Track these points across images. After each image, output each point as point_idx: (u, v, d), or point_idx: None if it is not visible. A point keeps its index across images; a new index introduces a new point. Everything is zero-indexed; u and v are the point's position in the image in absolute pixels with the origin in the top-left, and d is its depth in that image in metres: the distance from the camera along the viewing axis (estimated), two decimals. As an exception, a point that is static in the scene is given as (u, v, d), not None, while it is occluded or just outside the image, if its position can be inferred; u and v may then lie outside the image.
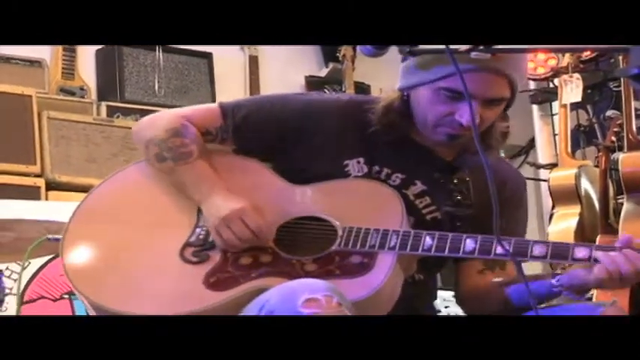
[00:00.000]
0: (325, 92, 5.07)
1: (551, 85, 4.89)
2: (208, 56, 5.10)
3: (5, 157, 4.20)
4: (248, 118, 2.18)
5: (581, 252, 1.94)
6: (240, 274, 2.01)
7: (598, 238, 3.94)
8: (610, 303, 2.00)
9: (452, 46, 1.82)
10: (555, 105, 4.79)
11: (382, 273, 1.96)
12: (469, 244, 1.97)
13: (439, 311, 2.33)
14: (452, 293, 3.25)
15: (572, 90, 4.39)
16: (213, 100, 4.72)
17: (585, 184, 4.20)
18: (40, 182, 4.24)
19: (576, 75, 4.39)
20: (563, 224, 4.11)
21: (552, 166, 4.70)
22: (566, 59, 4.44)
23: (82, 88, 4.76)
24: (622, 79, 4.21)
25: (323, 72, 5.56)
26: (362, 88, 5.27)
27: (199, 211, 2.12)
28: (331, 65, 5.48)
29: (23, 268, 3.10)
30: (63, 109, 4.50)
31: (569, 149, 4.39)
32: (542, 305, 2.04)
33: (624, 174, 3.88)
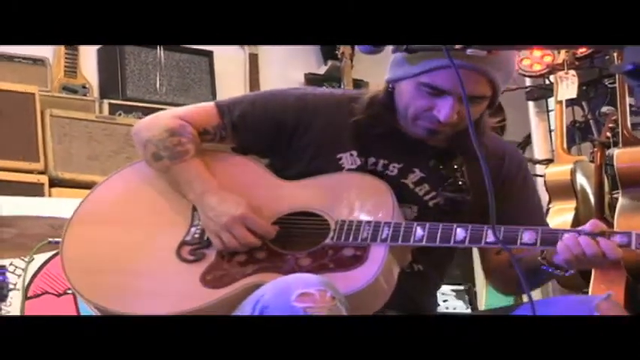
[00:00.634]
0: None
1: (547, 82, 4.87)
2: (209, 54, 5.11)
3: (9, 155, 4.20)
4: (245, 115, 2.18)
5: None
6: (235, 271, 2.01)
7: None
8: (605, 296, 2.01)
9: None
10: (551, 101, 4.79)
11: (375, 265, 1.96)
12: (460, 233, 1.97)
13: (438, 305, 2.32)
14: (450, 287, 3.25)
15: (567, 87, 4.38)
16: (214, 98, 4.72)
17: (581, 180, 4.19)
18: (44, 179, 4.26)
19: (572, 72, 4.39)
20: (560, 219, 4.10)
21: (548, 161, 4.70)
22: (562, 56, 4.43)
23: (84, 86, 4.77)
24: (617, 76, 4.20)
25: (322, 69, 5.58)
26: (360, 85, 5.27)
27: (194, 209, 2.13)
28: (330, 63, 5.50)
29: (27, 264, 3.10)
30: (65, 107, 4.51)
31: (565, 145, 4.38)
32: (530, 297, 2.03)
33: (619, 169, 3.87)
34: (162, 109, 2.34)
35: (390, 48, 1.96)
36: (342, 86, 5.19)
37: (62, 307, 3.62)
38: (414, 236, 1.98)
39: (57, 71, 4.72)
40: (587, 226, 1.96)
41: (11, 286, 2.59)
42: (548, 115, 5.09)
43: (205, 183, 2.12)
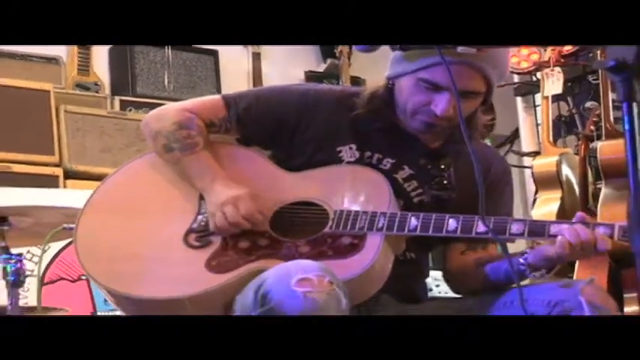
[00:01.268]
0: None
1: (533, 79, 4.86)
2: (214, 53, 5.09)
3: (26, 149, 4.20)
4: (249, 108, 2.18)
5: (556, 228, 1.93)
6: (239, 257, 2.01)
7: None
8: (588, 281, 2.01)
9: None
10: (538, 97, 4.78)
11: (371, 252, 1.96)
12: (452, 223, 1.97)
13: (430, 289, 2.33)
14: (442, 273, 3.23)
15: (553, 83, 4.38)
16: (219, 93, 4.70)
17: (566, 171, 4.19)
18: (59, 171, 4.25)
19: (557, 69, 4.38)
20: (546, 208, 4.10)
21: (535, 154, 4.68)
22: (548, 54, 4.42)
23: (96, 84, 4.76)
24: (600, 72, 4.19)
25: (321, 67, 5.57)
26: (357, 82, 5.26)
27: (201, 198, 2.13)
28: (329, 61, 5.49)
29: (43, 252, 3.10)
30: (79, 104, 4.51)
31: (551, 138, 4.37)
32: (525, 282, 2.03)
33: (602, 161, 3.87)
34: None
35: (386, 47, 1.96)
36: (341, 83, 5.18)
37: (76, 293, 3.63)
38: (409, 226, 1.99)
39: (70, 69, 4.71)
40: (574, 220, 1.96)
41: (28, 273, 2.59)
42: (535, 110, 5.09)
43: (214, 173, 2.12)
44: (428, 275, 2.29)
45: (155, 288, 2.00)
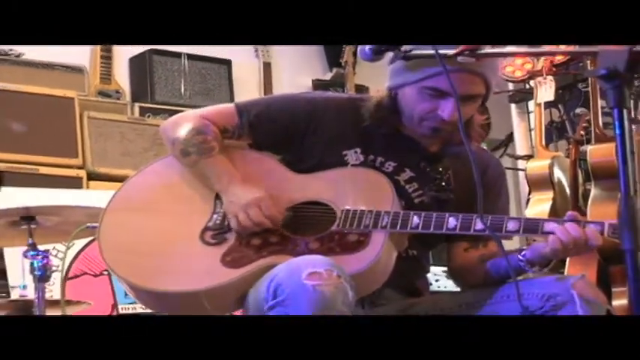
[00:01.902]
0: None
1: (527, 87, 4.86)
2: (228, 63, 5.09)
3: (52, 152, 4.21)
4: (260, 116, 2.17)
5: (549, 226, 1.92)
6: (252, 253, 2.01)
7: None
8: (579, 276, 2.01)
9: (440, 51, 1.82)
10: (531, 104, 4.76)
11: (376, 249, 1.96)
12: (451, 221, 1.97)
13: (430, 284, 2.32)
14: (441, 269, 3.24)
15: (545, 90, 4.36)
16: (232, 100, 4.71)
17: (558, 173, 4.18)
18: (82, 173, 4.26)
19: (549, 77, 4.36)
20: (539, 208, 4.09)
21: (529, 157, 4.68)
22: (541, 63, 4.41)
23: (117, 91, 4.76)
24: (590, 81, 4.19)
25: (328, 76, 5.56)
26: (362, 89, 5.25)
27: (216, 198, 2.12)
28: (335, 70, 5.49)
29: (68, 248, 3.10)
30: (101, 110, 4.51)
31: (544, 142, 4.36)
32: (520, 278, 2.02)
33: (592, 164, 3.87)
34: (186, 111, 2.34)
35: (387, 57, 1.97)
36: (346, 91, 5.17)
37: (99, 287, 3.63)
38: (411, 224, 1.98)
39: (93, 78, 4.72)
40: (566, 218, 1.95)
41: (54, 268, 2.59)
42: (528, 116, 5.08)
43: (231, 175, 2.12)
44: (429, 271, 2.29)
45: (173, 282, 2.00)
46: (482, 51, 1.81)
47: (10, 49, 4.46)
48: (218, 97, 4.87)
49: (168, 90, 4.86)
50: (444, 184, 2.14)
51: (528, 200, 4.27)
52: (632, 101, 3.72)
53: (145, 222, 2.12)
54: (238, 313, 2.09)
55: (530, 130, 5.03)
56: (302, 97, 2.25)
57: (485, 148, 2.64)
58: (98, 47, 4.74)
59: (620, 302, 3.63)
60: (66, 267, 3.44)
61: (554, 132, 4.89)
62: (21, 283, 2.93)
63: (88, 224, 2.49)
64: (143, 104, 4.75)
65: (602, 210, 3.71)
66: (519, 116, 5.16)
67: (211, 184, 2.13)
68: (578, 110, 4.48)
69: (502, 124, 5.11)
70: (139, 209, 2.15)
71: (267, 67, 5.24)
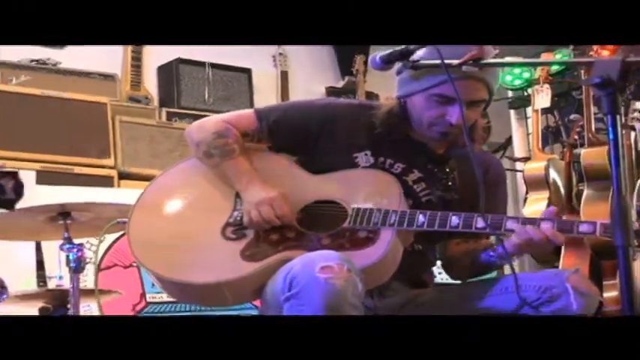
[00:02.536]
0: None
1: (525, 94, 4.84)
2: (248, 71, 5.10)
3: (86, 153, 4.21)
4: (278, 121, 2.16)
5: (547, 224, 1.91)
6: (269, 247, 2.00)
7: (563, 218, 3.92)
8: (574, 270, 1.99)
9: (446, 61, 1.83)
10: (529, 110, 4.76)
11: (384, 245, 1.95)
12: (454, 220, 1.96)
13: (435, 276, 2.31)
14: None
15: (542, 98, 4.36)
16: (252, 106, 4.71)
17: (553, 174, 4.16)
18: (113, 173, 4.27)
19: (546, 85, 4.36)
20: (535, 207, 4.08)
21: (526, 159, 4.66)
22: (538, 72, 4.40)
23: (146, 97, 4.77)
24: (583, 89, 4.17)
25: (340, 84, 5.55)
26: (372, 96, 5.25)
27: (237, 197, 2.12)
28: (347, 78, 5.48)
29: (100, 242, 3.10)
30: (131, 114, 4.52)
31: (540, 145, 4.36)
32: (513, 270, 2.00)
33: (585, 166, 3.86)
34: (209, 116, 2.33)
35: (394, 68, 1.98)
36: (357, 97, 5.16)
37: (128, 277, 3.63)
38: (417, 222, 1.97)
39: (124, 85, 4.73)
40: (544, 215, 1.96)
41: (87, 260, 2.59)
42: (526, 121, 5.07)
43: (249, 176, 2.11)
44: (434, 264, 2.27)
45: (196, 274, 1.99)
46: (484, 61, 1.82)
47: (48, 59, 4.48)
48: (239, 103, 4.87)
49: (193, 96, 4.87)
50: (450, 183, 2.13)
51: (525, 200, 4.26)
52: (622, 108, 3.70)
53: (171, 218, 2.11)
54: (256, 303, 2.09)
55: (527, 135, 5.01)
56: (316, 103, 2.24)
57: (486, 150, 2.63)
58: (129, 56, 4.76)
59: (610, 294, 3.62)
60: (98, 259, 3.44)
61: (550, 136, 4.88)
62: (57, 274, 2.93)
63: (118, 219, 2.49)
64: (170, 109, 4.76)
65: (594, 209, 3.70)
66: (518, 121, 5.15)
67: (232, 184, 2.12)
68: (572, 116, 4.45)
69: (502, 129, 5.09)
70: (165, 206, 2.14)
71: (284, 75, 5.25)
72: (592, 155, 3.86)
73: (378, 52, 1.94)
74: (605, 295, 3.57)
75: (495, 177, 2.18)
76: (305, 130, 2.14)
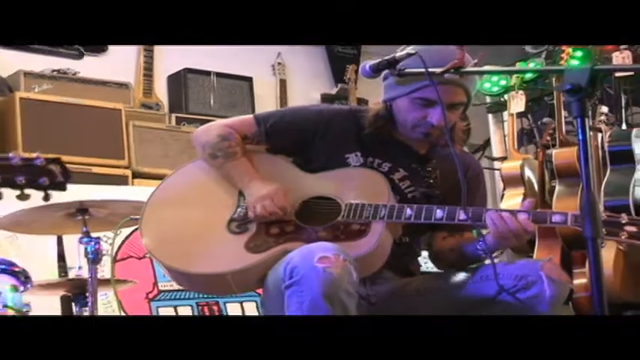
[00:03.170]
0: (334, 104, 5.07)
1: (502, 99, 4.84)
2: (249, 79, 5.07)
3: (102, 154, 4.20)
4: (275, 125, 2.16)
5: (523, 215, 1.91)
6: (271, 240, 2.00)
7: (537, 211, 3.92)
8: (546, 259, 2.00)
9: (429, 69, 1.83)
10: (505, 114, 4.75)
11: (376, 236, 1.95)
12: (438, 213, 1.96)
13: (421, 266, 2.30)
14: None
15: (517, 103, 4.36)
16: (254, 111, 4.71)
17: (528, 172, 4.16)
18: (128, 172, 4.25)
19: (520, 92, 4.36)
20: (512, 202, 4.08)
21: (503, 159, 4.66)
22: (514, 80, 4.40)
23: (157, 104, 4.76)
24: (555, 94, 4.18)
25: (334, 90, 5.53)
26: (362, 102, 5.23)
27: (240, 194, 2.11)
28: (340, 86, 5.46)
29: (115, 236, 3.09)
30: (144, 119, 4.50)
31: (516, 146, 4.36)
32: (492, 260, 2.00)
33: (556, 164, 3.87)
34: (215, 120, 2.33)
35: (382, 76, 1.99)
36: (349, 103, 5.15)
37: (142, 268, 3.61)
38: (405, 215, 1.97)
39: (137, 92, 4.71)
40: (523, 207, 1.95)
41: (104, 252, 2.59)
42: (503, 124, 5.06)
43: (250, 175, 2.11)
44: (420, 255, 2.27)
45: (204, 265, 1.99)
46: (464, 69, 1.82)
47: (68, 69, 4.48)
48: (241, 109, 4.86)
49: (199, 103, 4.85)
50: (432, 181, 2.12)
51: (503, 195, 4.26)
52: (590, 112, 3.71)
53: (180, 214, 2.11)
54: (259, 291, 2.09)
55: (504, 136, 5.01)
56: (311, 108, 2.24)
57: (466, 150, 2.62)
58: (142, 67, 4.75)
59: (579, 281, 3.63)
60: (114, 251, 3.43)
61: (525, 138, 4.89)
62: (77, 265, 2.92)
63: (132, 216, 2.49)
64: (179, 114, 4.74)
65: (565, 203, 3.71)
66: (495, 124, 5.14)
67: (235, 183, 2.12)
68: (544, 119, 4.46)
69: (481, 131, 5.09)
70: (174, 203, 2.14)
71: (282, 83, 5.24)
72: (563, 155, 3.87)
73: (368, 62, 1.94)
74: (575, 282, 3.58)
75: (475, 175, 2.18)
76: (299, 134, 2.14)
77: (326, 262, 1.77)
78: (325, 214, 2.03)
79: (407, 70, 1.90)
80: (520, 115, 4.60)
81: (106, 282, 2.74)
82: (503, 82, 4.56)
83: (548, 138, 4.09)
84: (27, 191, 1.58)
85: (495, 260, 1.98)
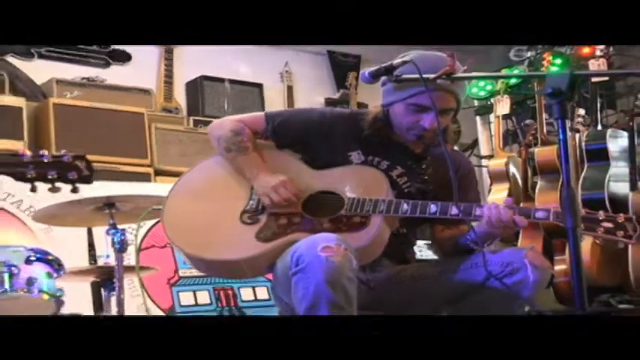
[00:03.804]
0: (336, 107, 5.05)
1: (488, 103, 4.82)
2: (260, 86, 5.08)
3: (127, 154, 4.20)
4: (282, 123, 2.15)
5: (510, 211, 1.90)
6: (279, 230, 2.00)
7: (520, 205, 3.91)
8: (530, 248, 1.99)
9: (424, 76, 1.83)
10: (492, 116, 4.73)
11: (375, 228, 1.95)
12: (432, 207, 1.95)
13: (416, 254, 2.30)
14: (424, 242, 3.19)
15: (503, 106, 4.34)
16: (264, 115, 4.70)
17: (512, 169, 4.15)
18: (150, 170, 4.26)
19: (506, 96, 4.34)
20: (498, 196, 4.06)
21: (490, 157, 4.64)
22: (499, 85, 4.38)
23: (177, 108, 4.76)
24: (536, 98, 4.17)
25: (336, 95, 5.53)
26: (362, 106, 5.23)
27: (252, 188, 2.10)
28: (342, 91, 5.45)
29: (139, 227, 3.09)
30: (164, 122, 4.50)
31: (501, 145, 4.34)
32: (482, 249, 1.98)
33: (538, 162, 3.86)
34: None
35: (380, 82, 1.98)
36: (350, 107, 5.14)
37: (164, 256, 3.61)
38: (402, 209, 1.96)
39: (158, 98, 4.71)
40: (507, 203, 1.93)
41: (129, 242, 2.59)
42: (489, 125, 5.03)
43: (259, 168, 2.10)
44: (415, 244, 2.27)
45: (219, 252, 1.99)
46: (455, 75, 1.81)
47: (96, 77, 4.49)
48: (252, 112, 4.85)
49: (214, 107, 4.85)
50: (426, 177, 2.11)
51: (489, 190, 4.25)
52: (569, 114, 3.70)
53: (198, 206, 2.11)
54: (269, 276, 2.08)
55: (491, 136, 4.99)
56: (316, 110, 2.22)
57: (457, 149, 2.61)
58: (162, 74, 4.75)
59: (560, 267, 3.62)
60: (139, 241, 3.44)
61: (509, 137, 4.86)
62: (105, 254, 2.92)
63: (154, 207, 2.48)
64: (196, 117, 4.73)
65: (547, 197, 3.70)
66: (482, 126, 5.11)
67: (245, 175, 2.11)
68: (527, 121, 4.43)
69: (469, 132, 5.07)
70: (192, 196, 2.13)
71: (289, 89, 5.24)
72: (544, 153, 3.86)
73: (367, 69, 1.95)
74: (556, 268, 3.57)
75: (466, 171, 2.17)
76: (304, 133, 2.13)
77: (329, 251, 1.76)
78: (329, 207, 2.02)
79: (403, 77, 1.90)
80: (505, 117, 4.58)
81: (131, 269, 2.74)
82: (489, 87, 4.54)
83: (531, 138, 4.07)
84: (57, 185, 1.58)
85: (484, 249, 1.97)
